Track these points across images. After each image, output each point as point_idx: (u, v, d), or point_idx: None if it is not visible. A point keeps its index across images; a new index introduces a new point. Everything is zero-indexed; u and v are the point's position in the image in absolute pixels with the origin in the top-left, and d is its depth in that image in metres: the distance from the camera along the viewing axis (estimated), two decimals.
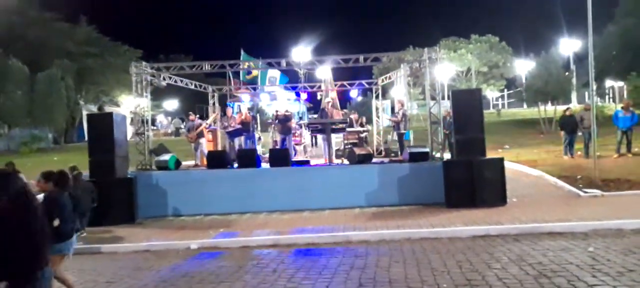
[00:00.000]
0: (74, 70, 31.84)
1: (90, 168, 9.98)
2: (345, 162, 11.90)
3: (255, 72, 17.24)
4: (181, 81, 14.44)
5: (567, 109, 15.35)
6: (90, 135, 10.43)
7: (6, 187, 3.03)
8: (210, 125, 14.55)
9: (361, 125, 16.05)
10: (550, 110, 23.55)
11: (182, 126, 38.89)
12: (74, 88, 31.45)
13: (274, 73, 16.84)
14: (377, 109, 16.67)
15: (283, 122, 13.53)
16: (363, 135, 15.45)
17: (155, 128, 36.34)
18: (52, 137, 31.62)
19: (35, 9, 34.02)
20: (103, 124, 10.06)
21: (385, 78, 16.36)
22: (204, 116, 16.62)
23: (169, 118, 45.90)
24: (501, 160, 9.92)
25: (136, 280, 6.04)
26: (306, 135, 15.55)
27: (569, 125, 14.05)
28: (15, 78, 27.86)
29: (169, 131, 39.03)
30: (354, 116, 16.73)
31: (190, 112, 14.75)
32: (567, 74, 25.73)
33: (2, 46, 29.27)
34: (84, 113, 33.82)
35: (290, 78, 18.66)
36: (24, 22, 33.01)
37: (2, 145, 29.42)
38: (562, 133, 14.26)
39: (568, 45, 30.37)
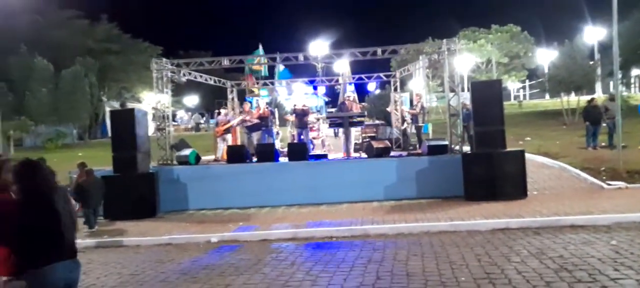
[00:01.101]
0: (96, 67, 32.58)
1: (114, 163, 10.22)
2: (363, 155, 11.89)
3: (260, 67, 17.39)
4: (201, 77, 14.62)
5: (591, 99, 14.99)
6: (113, 131, 10.69)
7: (30, 177, 2.97)
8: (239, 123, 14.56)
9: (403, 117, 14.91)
10: (574, 100, 23.01)
11: (202, 121, 39.49)
12: (97, 85, 32.20)
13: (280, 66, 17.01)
14: (395, 101, 16.57)
15: (300, 116, 13.58)
16: (410, 126, 14.26)
17: (175, 123, 36.93)
18: (76, 133, 32.48)
19: (57, 7, 34.90)
20: (125, 120, 10.27)
21: (404, 70, 16.24)
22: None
23: (189, 113, 46.54)
24: (522, 152, 9.79)
25: (159, 272, 6.19)
26: (324, 128, 15.55)
27: (593, 115, 13.73)
28: (41, 76, 28.67)
29: (189, 126, 39.59)
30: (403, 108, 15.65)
31: (224, 106, 14.95)
32: (591, 63, 25.07)
33: (27, 45, 30.11)
34: (107, 109, 34.61)
35: (304, 69, 18.71)
36: (46, 21, 33.87)
37: (28, 141, 30.37)
38: (586, 124, 13.95)
39: (592, 34, 29.52)
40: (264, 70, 18.21)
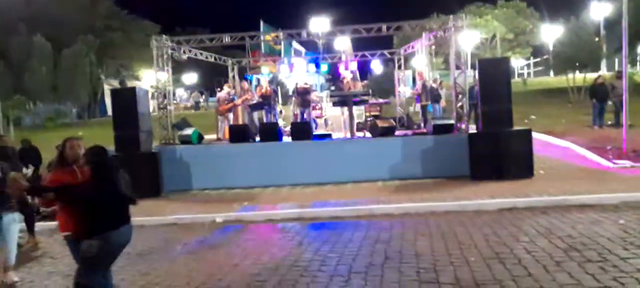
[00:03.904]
0: (95, 45, 32.19)
1: (116, 142, 10.13)
2: (368, 134, 11.80)
3: (279, 47, 17.09)
4: (201, 54, 14.42)
5: (599, 76, 14.84)
6: (114, 109, 10.55)
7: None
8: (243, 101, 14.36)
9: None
10: (579, 78, 22.78)
11: (201, 99, 39.19)
12: (96, 63, 31.88)
13: (299, 46, 16.69)
14: (398, 79, 16.41)
15: (302, 95, 13.42)
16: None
17: (175, 102, 36.71)
18: (75, 113, 32.31)
19: None
20: (127, 99, 10.12)
21: (408, 48, 16.01)
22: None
23: (188, 91, 46.19)
24: (529, 131, 9.69)
25: (166, 252, 6.18)
26: (327, 107, 15.40)
27: (600, 93, 13.60)
28: (40, 54, 28.36)
29: (189, 105, 39.33)
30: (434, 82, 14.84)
31: (226, 83, 14.72)
32: (597, 40, 24.73)
33: (26, 23, 29.66)
34: (106, 87, 34.36)
35: (305, 46, 18.37)
36: None
37: (28, 120, 30.19)
38: (593, 102, 13.81)
39: (598, 10, 28.98)
40: (266, 47, 17.88)
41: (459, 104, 11.11)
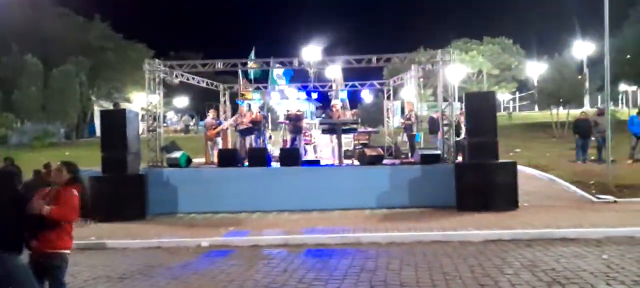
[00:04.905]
0: (87, 66, 32.15)
1: (103, 163, 10.05)
2: (356, 162, 11.87)
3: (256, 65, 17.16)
4: (193, 79, 14.50)
5: (582, 112, 15.20)
6: (103, 130, 10.53)
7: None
8: (230, 125, 14.43)
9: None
10: (563, 113, 23.32)
11: (192, 123, 39.11)
12: (87, 84, 31.79)
13: (278, 71, 16.81)
14: (387, 109, 16.62)
15: (294, 122, 13.51)
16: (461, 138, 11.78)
17: (165, 124, 36.51)
18: (63, 133, 31.98)
19: (50, 3, 34.34)
20: (116, 120, 10.12)
21: (397, 79, 16.29)
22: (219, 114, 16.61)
23: (179, 115, 46.11)
24: (514, 163, 9.86)
25: (148, 276, 6.08)
26: (316, 135, 15.49)
27: (583, 129, 13.91)
28: (30, 73, 28.28)
29: (178, 128, 39.21)
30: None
31: (212, 109, 14.76)
32: (579, 77, 25.44)
33: (18, 42, 29.62)
34: (96, 108, 34.15)
35: (297, 74, 18.54)
36: (38, 16, 33.25)
37: (14, 139, 29.80)
38: (576, 137, 14.12)
39: (582, 48, 29.94)
40: (256, 72, 18.01)
41: (462, 136, 11.26)
